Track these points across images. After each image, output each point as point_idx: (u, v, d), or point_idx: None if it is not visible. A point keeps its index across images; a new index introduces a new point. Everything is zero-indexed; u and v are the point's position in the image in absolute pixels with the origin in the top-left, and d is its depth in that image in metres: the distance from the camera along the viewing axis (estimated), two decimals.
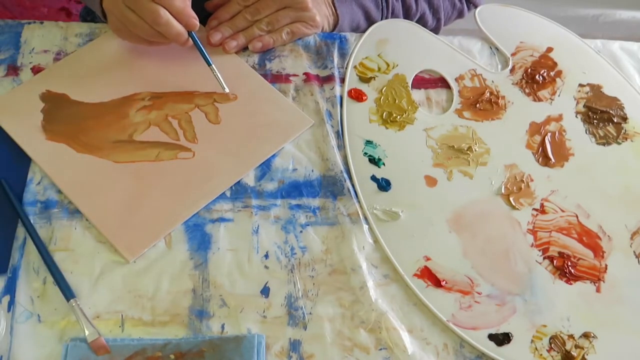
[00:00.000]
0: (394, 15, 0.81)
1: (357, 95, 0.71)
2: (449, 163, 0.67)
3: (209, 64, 0.67)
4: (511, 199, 0.65)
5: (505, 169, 0.67)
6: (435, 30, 0.87)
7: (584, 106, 0.73)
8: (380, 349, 0.55)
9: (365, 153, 0.66)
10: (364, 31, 0.77)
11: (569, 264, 0.61)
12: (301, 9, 0.71)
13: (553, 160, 0.68)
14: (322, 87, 0.71)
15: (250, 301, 0.57)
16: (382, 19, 0.79)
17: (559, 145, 0.70)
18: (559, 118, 0.72)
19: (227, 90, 0.67)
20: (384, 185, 0.64)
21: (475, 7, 0.82)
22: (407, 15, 0.82)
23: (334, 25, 0.77)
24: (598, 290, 0.60)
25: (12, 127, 0.64)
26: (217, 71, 0.67)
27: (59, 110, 0.66)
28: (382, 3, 0.80)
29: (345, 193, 0.63)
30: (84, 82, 0.68)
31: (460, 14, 0.89)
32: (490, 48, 0.78)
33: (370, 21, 0.79)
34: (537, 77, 0.75)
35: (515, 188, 0.66)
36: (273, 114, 0.67)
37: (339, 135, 0.68)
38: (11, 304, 0.55)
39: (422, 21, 0.84)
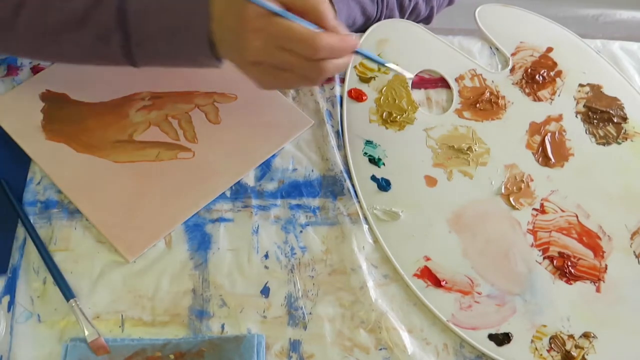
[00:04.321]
0: (388, 7, 0.80)
1: (357, 95, 0.70)
2: (449, 163, 0.67)
3: (384, 64, 0.59)
4: (511, 199, 0.65)
5: (505, 169, 0.67)
6: (428, 19, 0.86)
7: (584, 106, 0.73)
8: (380, 349, 0.55)
9: (365, 153, 0.66)
10: (359, 27, 0.76)
11: (569, 264, 0.61)
12: None
13: (553, 160, 0.68)
14: (322, 87, 0.71)
15: (250, 301, 0.57)
16: (377, 13, 0.79)
17: (559, 145, 0.70)
18: (559, 118, 0.72)
19: (410, 75, 0.63)
20: (384, 185, 0.64)
21: None
22: (401, 7, 0.82)
23: None
24: (598, 290, 0.60)
25: (12, 127, 0.64)
26: (393, 65, 0.60)
27: (59, 110, 0.66)
28: None
29: (345, 193, 0.63)
30: (84, 82, 0.68)
31: (451, 0, 0.88)
32: (490, 48, 0.78)
33: (366, 16, 0.78)
34: (537, 77, 0.75)
35: (515, 188, 0.66)
36: (273, 114, 0.67)
37: (339, 135, 0.68)
38: (11, 304, 0.55)
39: (415, 11, 0.84)
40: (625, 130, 0.72)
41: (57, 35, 0.53)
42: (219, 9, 0.54)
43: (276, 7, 0.51)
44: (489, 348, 0.56)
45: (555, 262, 0.61)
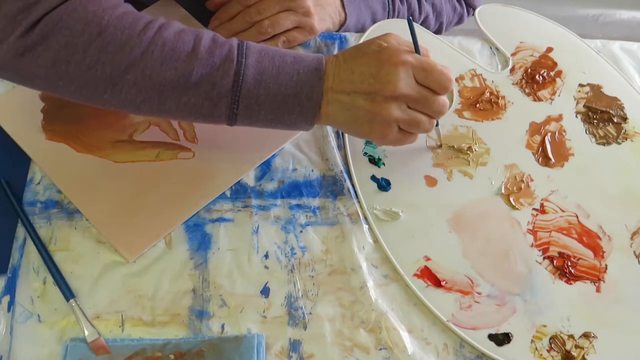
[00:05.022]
0: (399, 17, 0.81)
1: None
2: (449, 163, 0.67)
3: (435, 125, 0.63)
4: (511, 199, 0.65)
5: (505, 169, 0.67)
6: (436, 34, 0.87)
7: (584, 106, 0.73)
8: (380, 349, 0.55)
9: (365, 153, 0.66)
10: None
11: (569, 264, 0.61)
12: (303, 14, 0.71)
13: (553, 160, 0.68)
14: None
15: (250, 301, 0.57)
16: None
17: (559, 145, 0.70)
18: (559, 118, 0.72)
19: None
20: (384, 185, 0.64)
21: (475, 11, 0.82)
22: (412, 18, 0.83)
23: (341, 24, 0.77)
24: (598, 290, 0.60)
25: (12, 127, 0.64)
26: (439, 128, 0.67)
27: (59, 110, 0.66)
28: (388, 5, 0.80)
29: (345, 193, 0.63)
30: None
31: (461, 19, 0.90)
32: (490, 48, 0.78)
33: (375, 23, 0.79)
34: (537, 77, 0.75)
35: (515, 188, 0.66)
36: None
37: (339, 135, 0.68)
38: (11, 304, 0.55)
39: (425, 24, 0.85)
40: (625, 130, 0.72)
41: (164, 92, 0.52)
42: (332, 68, 0.56)
43: (418, 45, 0.58)
44: (489, 348, 0.56)
45: (555, 262, 0.61)
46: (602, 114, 0.73)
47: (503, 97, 0.73)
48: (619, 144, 0.71)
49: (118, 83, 0.52)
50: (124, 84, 0.52)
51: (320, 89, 0.55)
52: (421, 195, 0.64)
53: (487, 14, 0.80)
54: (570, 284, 0.60)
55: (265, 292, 0.57)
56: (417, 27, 0.78)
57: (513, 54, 0.77)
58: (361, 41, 0.75)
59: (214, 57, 0.53)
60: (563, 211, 0.65)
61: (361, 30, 0.78)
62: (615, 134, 0.71)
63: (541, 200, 0.65)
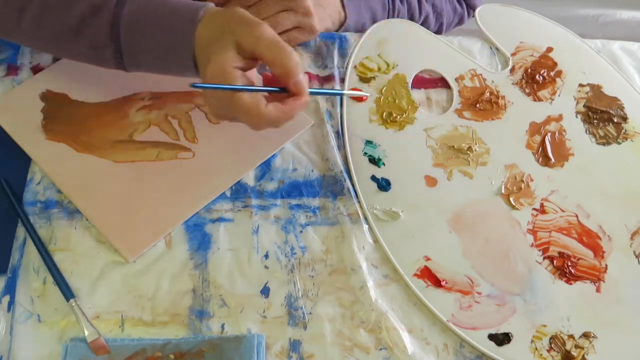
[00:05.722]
0: (399, 17, 0.81)
1: (356, 96, 0.70)
2: (449, 163, 0.67)
3: (342, 94, 0.67)
4: (511, 199, 0.65)
5: (505, 169, 0.67)
6: (436, 34, 0.88)
7: (584, 106, 0.73)
8: (380, 349, 0.55)
9: (365, 153, 0.66)
10: None
11: (569, 264, 0.61)
12: (303, 14, 0.71)
13: (553, 160, 0.68)
14: (322, 87, 0.71)
15: (250, 301, 0.57)
16: None
17: (559, 145, 0.70)
18: (559, 118, 0.72)
19: (367, 94, 0.69)
20: (384, 185, 0.64)
21: (475, 12, 0.82)
22: (411, 18, 0.83)
23: (341, 24, 0.77)
24: (598, 290, 0.60)
25: (12, 127, 0.64)
26: (351, 92, 0.68)
27: (59, 110, 0.66)
28: (388, 5, 0.80)
29: (345, 193, 0.63)
30: (84, 82, 0.68)
31: (461, 20, 0.90)
32: (490, 48, 0.78)
33: (375, 23, 0.79)
34: (537, 77, 0.75)
35: (515, 188, 0.66)
36: None
37: (339, 135, 0.68)
38: (11, 304, 0.55)
39: (425, 24, 0.85)
40: (625, 130, 0.72)
41: (55, 43, 0.58)
42: (202, 36, 0.55)
43: (226, 86, 0.51)
44: (489, 348, 0.56)
45: (555, 262, 0.61)
46: (602, 114, 0.73)
47: (503, 97, 0.73)
48: (619, 144, 0.71)
49: (15, 34, 0.59)
50: (23, 36, 0.59)
51: (192, 39, 0.55)
52: (421, 195, 0.64)
53: (487, 14, 0.80)
54: (570, 284, 0.60)
55: (265, 292, 0.57)
56: (417, 27, 0.78)
57: (513, 54, 0.77)
58: (361, 41, 0.75)
59: (93, 9, 0.56)
60: (563, 211, 0.65)
61: (361, 30, 0.78)
62: (615, 134, 0.71)
63: (541, 200, 0.65)
